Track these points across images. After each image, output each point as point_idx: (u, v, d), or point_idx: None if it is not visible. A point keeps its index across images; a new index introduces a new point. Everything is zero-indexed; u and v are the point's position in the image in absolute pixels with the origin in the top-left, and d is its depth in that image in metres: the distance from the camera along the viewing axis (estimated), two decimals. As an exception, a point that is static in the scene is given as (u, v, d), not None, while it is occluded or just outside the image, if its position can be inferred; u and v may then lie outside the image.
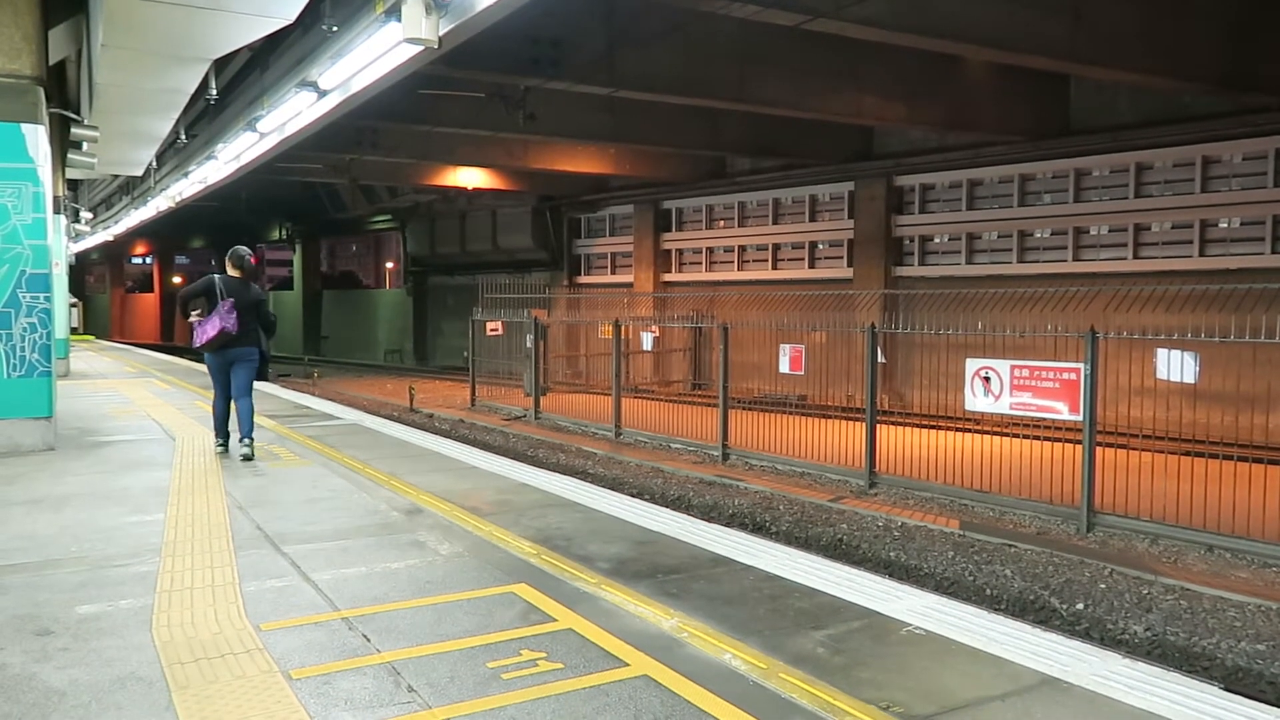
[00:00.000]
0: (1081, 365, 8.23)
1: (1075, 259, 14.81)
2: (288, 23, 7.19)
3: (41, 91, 7.92)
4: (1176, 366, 7.83)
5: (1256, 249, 12.83)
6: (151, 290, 56.75)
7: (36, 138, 7.79)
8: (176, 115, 11.39)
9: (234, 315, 7.37)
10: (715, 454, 11.99)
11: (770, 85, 12.39)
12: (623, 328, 14.87)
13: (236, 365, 7.62)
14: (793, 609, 4.07)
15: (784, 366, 11.32)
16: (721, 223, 21.40)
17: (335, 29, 7.99)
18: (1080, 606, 6.83)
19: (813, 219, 19.22)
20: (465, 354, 19.54)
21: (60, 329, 13.61)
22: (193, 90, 9.72)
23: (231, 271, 7.67)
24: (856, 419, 10.55)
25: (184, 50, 8.03)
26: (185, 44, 7.81)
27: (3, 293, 7.71)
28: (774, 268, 20.05)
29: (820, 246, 19.20)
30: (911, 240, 17.28)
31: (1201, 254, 13.37)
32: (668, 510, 6.35)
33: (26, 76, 7.74)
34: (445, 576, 4.49)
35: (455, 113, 14.90)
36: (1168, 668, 4.95)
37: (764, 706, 3.09)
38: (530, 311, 16.96)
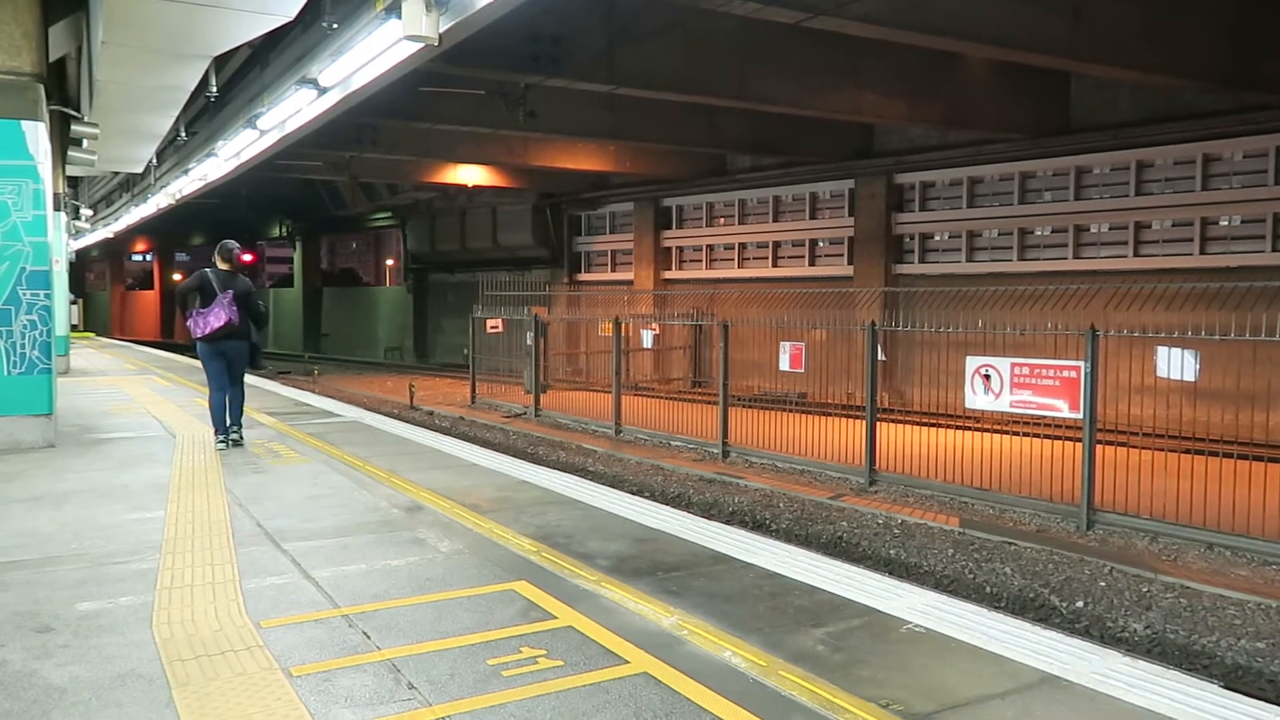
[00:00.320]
0: (1082, 363, 8.23)
1: (1076, 257, 14.80)
2: (288, 20, 7.19)
3: (41, 88, 7.92)
4: (1177, 364, 7.83)
5: (1257, 247, 12.82)
6: (152, 287, 56.66)
7: (37, 135, 7.79)
8: (177, 112, 11.41)
9: (235, 307, 7.65)
10: (715, 451, 11.98)
11: (770, 83, 12.38)
12: (623, 325, 14.85)
13: (231, 355, 7.89)
14: (793, 606, 4.07)
15: (784, 364, 11.32)
16: (722, 220, 21.38)
17: (335, 26, 8.01)
18: (1080, 604, 6.82)
19: (813, 216, 19.21)
20: (465, 351, 19.52)
21: (60, 326, 13.61)
22: (193, 87, 9.73)
23: (220, 265, 7.87)
24: (857, 417, 10.55)
25: (184, 47, 8.05)
26: (185, 41, 7.83)
27: (3, 290, 7.71)
28: (774, 265, 20.04)
29: (820, 244, 19.19)
30: (912, 238, 17.26)
31: (1202, 252, 13.36)
32: (668, 508, 6.35)
33: (26, 73, 7.75)
34: (445, 574, 4.49)
35: (455, 110, 14.89)
36: (1168, 666, 4.94)
37: (764, 704, 3.09)
38: (530, 309, 16.95)
